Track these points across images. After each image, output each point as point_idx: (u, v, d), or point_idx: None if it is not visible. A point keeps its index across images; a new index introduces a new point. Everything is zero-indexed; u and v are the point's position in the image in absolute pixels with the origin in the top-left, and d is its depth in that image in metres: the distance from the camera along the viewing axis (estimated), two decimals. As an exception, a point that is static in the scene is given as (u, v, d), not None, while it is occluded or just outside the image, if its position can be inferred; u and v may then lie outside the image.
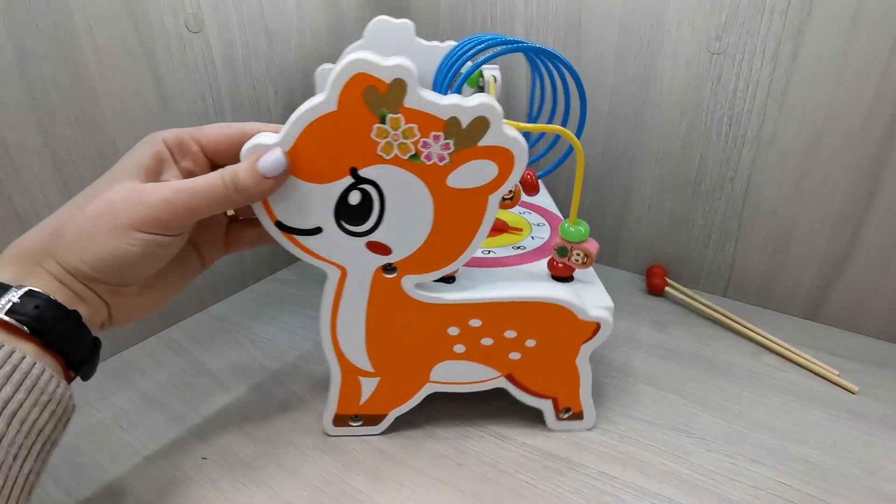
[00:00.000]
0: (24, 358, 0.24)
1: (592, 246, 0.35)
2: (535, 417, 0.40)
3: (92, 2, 0.39)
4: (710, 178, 0.53)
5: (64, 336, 0.26)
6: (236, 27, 0.49)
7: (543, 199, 0.53)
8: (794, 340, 0.48)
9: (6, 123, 0.36)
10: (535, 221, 0.47)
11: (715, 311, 0.52)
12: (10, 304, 0.24)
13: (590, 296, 0.36)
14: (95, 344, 0.28)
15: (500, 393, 0.42)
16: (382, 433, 0.38)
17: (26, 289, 0.25)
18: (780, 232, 0.51)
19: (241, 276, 0.57)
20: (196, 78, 0.47)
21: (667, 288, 0.56)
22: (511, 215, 0.48)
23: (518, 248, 0.42)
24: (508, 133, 0.28)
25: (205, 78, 0.48)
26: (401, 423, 0.39)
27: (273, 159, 0.27)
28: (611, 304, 0.35)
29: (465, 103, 0.27)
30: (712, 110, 0.51)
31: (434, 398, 0.42)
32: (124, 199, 0.27)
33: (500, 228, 0.45)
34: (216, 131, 0.31)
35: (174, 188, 0.27)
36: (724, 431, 0.39)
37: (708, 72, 0.50)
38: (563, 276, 0.37)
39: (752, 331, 0.49)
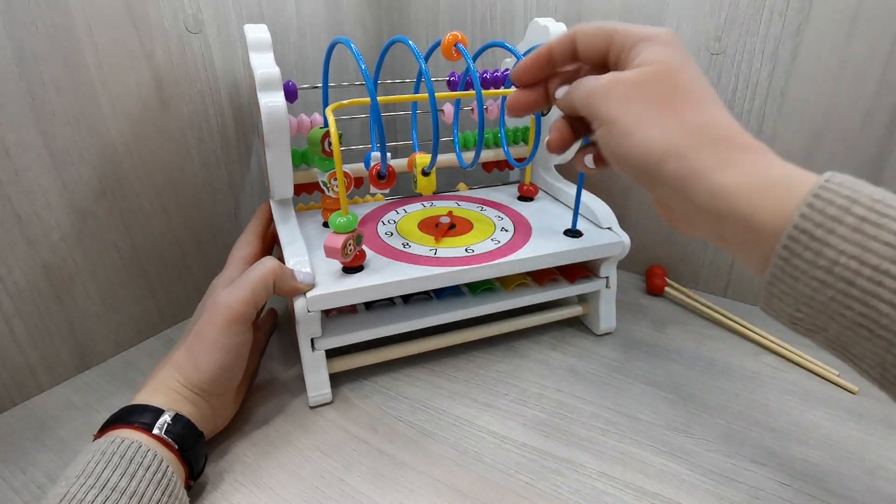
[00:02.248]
0: (168, 467, 0.30)
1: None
2: (534, 418, 0.40)
3: (92, 2, 0.39)
4: (710, 179, 0.53)
5: (195, 451, 0.33)
6: (236, 27, 0.49)
7: (542, 202, 0.54)
8: (793, 340, 0.48)
9: (6, 124, 0.36)
10: (495, 215, 0.50)
11: (715, 311, 0.52)
12: (166, 424, 0.32)
13: None
14: (206, 457, 0.35)
15: (500, 394, 0.42)
16: (382, 433, 0.38)
17: (174, 413, 0.32)
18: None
19: (241, 277, 0.57)
20: (196, 78, 0.47)
21: (666, 288, 0.56)
22: (472, 213, 0.50)
23: (494, 240, 0.45)
24: None
25: (204, 78, 0.48)
26: (401, 424, 0.39)
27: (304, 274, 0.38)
28: None
29: None
30: (712, 110, 0.51)
31: (434, 398, 0.42)
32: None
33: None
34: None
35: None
36: (724, 431, 0.39)
37: (707, 72, 0.50)
38: (355, 266, 0.40)
39: (752, 331, 0.49)
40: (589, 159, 0.31)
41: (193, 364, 0.35)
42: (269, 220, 0.47)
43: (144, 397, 0.33)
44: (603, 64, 0.29)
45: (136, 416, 0.31)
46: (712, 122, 0.24)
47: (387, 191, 0.42)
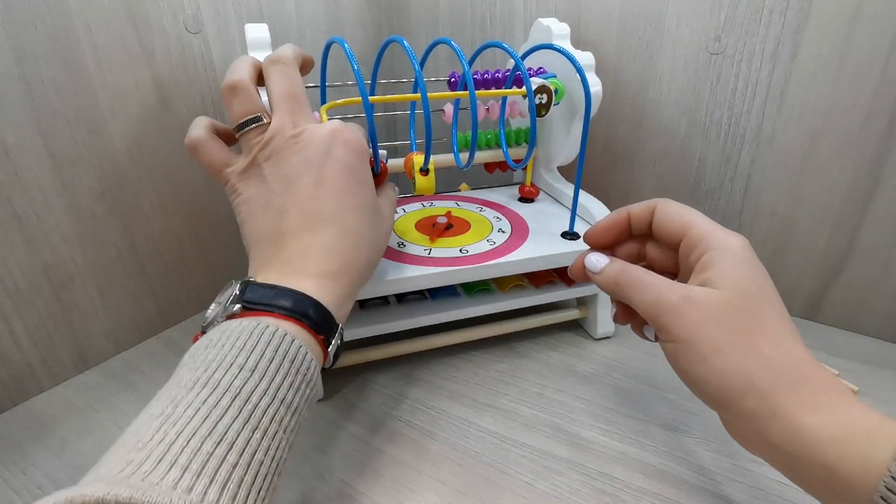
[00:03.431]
0: (318, 377, 0.28)
1: None
2: (534, 418, 0.40)
3: (91, 3, 0.39)
4: (710, 179, 0.53)
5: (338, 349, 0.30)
6: (235, 28, 0.49)
7: (542, 203, 0.54)
8: (793, 340, 0.48)
9: (5, 124, 0.36)
10: (493, 216, 0.50)
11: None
12: (338, 335, 0.30)
13: None
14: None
15: (500, 394, 0.42)
16: (382, 433, 0.38)
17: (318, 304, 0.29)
18: (780, 232, 0.51)
19: (242, 276, 0.57)
20: (195, 79, 0.47)
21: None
22: (471, 213, 0.50)
23: (490, 241, 0.45)
24: None
25: (204, 79, 0.48)
26: (401, 424, 0.39)
27: None
28: None
29: None
30: (711, 111, 0.51)
31: (434, 398, 0.42)
32: None
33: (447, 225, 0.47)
34: None
35: None
36: (724, 431, 0.39)
37: (707, 72, 0.50)
38: None
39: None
40: (651, 331, 0.31)
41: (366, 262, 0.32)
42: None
43: (279, 277, 0.29)
44: (673, 247, 0.30)
45: (305, 309, 0.28)
46: (792, 359, 0.25)
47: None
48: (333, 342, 0.29)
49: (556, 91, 0.46)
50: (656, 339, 0.30)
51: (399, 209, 0.51)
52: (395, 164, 0.48)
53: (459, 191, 0.57)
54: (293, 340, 0.26)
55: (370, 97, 0.38)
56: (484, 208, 0.52)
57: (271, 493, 0.23)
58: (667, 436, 0.38)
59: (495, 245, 0.44)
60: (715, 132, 0.51)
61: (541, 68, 0.49)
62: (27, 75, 0.37)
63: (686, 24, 0.49)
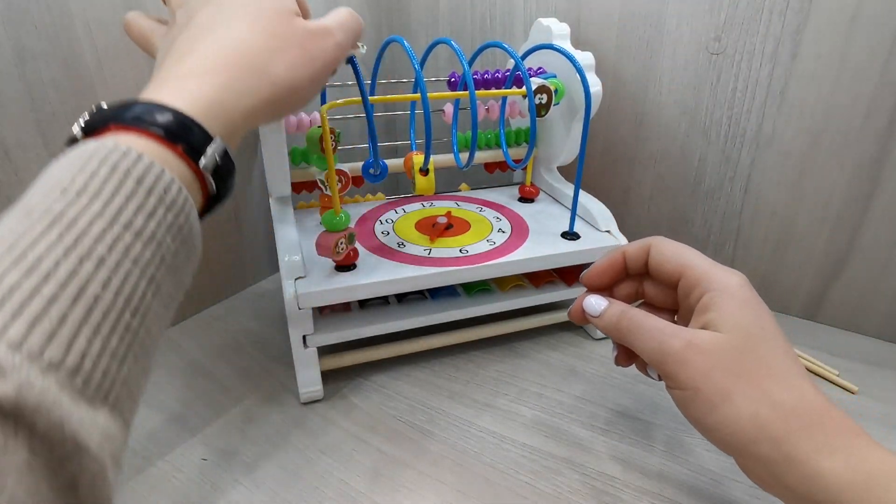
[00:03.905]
0: (192, 212, 0.23)
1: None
2: (534, 418, 0.40)
3: (92, 2, 0.39)
4: (710, 179, 0.53)
5: (227, 183, 0.25)
6: (236, 28, 0.49)
7: (542, 203, 0.54)
8: (793, 340, 0.47)
9: (5, 124, 0.36)
10: (493, 216, 0.50)
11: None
12: (215, 156, 0.23)
13: None
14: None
15: (500, 394, 0.42)
16: (382, 433, 0.38)
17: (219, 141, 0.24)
18: (780, 232, 0.51)
19: (241, 276, 0.57)
20: (195, 78, 0.47)
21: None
22: (471, 213, 0.50)
23: (490, 241, 0.45)
24: None
25: (204, 78, 0.48)
26: (400, 423, 0.39)
27: None
28: None
29: None
30: (711, 110, 0.51)
31: (434, 398, 0.42)
32: None
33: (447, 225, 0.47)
34: None
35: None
36: (723, 431, 0.39)
37: (707, 72, 0.50)
38: (347, 264, 0.40)
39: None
40: (655, 372, 0.30)
41: (279, 95, 0.26)
42: None
43: (160, 91, 0.23)
44: (671, 286, 0.30)
45: (153, 117, 0.22)
46: (804, 401, 0.24)
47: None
48: (208, 156, 0.23)
49: (556, 91, 0.46)
50: (659, 378, 0.30)
51: (400, 209, 0.51)
52: (395, 164, 0.48)
53: (459, 191, 0.57)
54: (139, 156, 0.20)
55: (370, 97, 0.38)
56: (484, 208, 0.52)
57: (133, 336, 0.19)
58: (667, 436, 0.38)
59: (495, 245, 0.44)
60: (715, 132, 0.51)
61: (541, 68, 0.49)
62: (27, 75, 0.37)
63: (686, 24, 0.49)
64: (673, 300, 0.31)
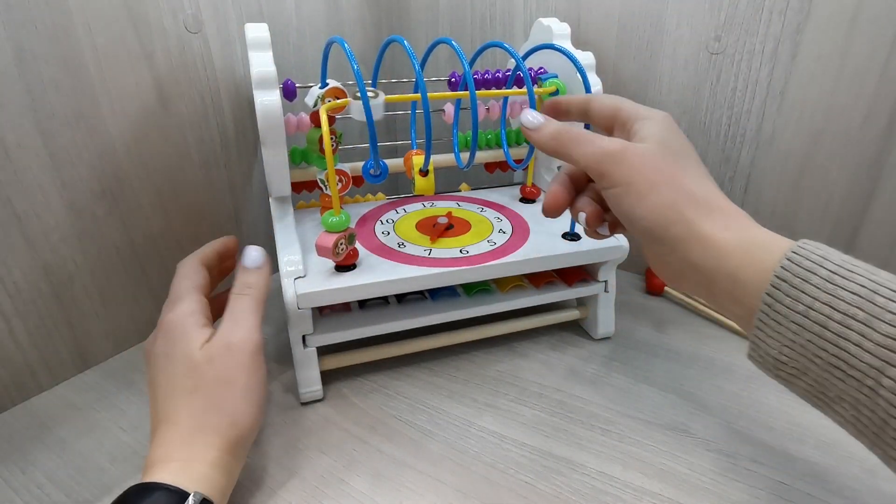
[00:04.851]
0: None
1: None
2: (534, 418, 0.40)
3: (91, 3, 0.39)
4: (710, 178, 0.53)
5: None
6: (235, 27, 0.49)
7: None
8: (793, 340, 0.48)
9: (5, 124, 0.36)
10: (494, 216, 0.50)
11: (714, 310, 0.52)
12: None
13: None
14: None
15: (500, 394, 0.42)
16: (382, 433, 0.38)
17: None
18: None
19: (241, 277, 0.57)
20: (195, 78, 0.47)
21: (666, 288, 0.56)
22: (472, 214, 0.50)
23: (490, 242, 0.45)
24: None
25: (204, 78, 0.48)
26: (400, 423, 0.39)
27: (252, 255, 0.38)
28: None
29: None
30: (711, 110, 0.51)
31: (434, 398, 0.42)
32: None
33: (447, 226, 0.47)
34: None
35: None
36: (724, 431, 0.39)
37: (707, 72, 0.50)
38: (347, 265, 0.40)
39: (752, 331, 0.49)
40: (605, 228, 0.34)
41: (228, 420, 0.31)
42: (226, 255, 0.42)
43: (173, 477, 0.28)
44: (608, 128, 0.34)
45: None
46: (711, 195, 0.29)
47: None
48: None
49: (556, 91, 0.46)
50: (610, 230, 0.34)
51: (400, 209, 0.51)
52: (395, 164, 0.48)
53: (460, 191, 0.57)
54: None
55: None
56: (485, 208, 0.52)
57: None
58: (667, 436, 0.38)
59: (496, 245, 0.44)
60: (715, 132, 0.51)
61: (541, 68, 0.49)
62: (27, 75, 0.37)
63: (686, 24, 0.49)
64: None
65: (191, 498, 0.27)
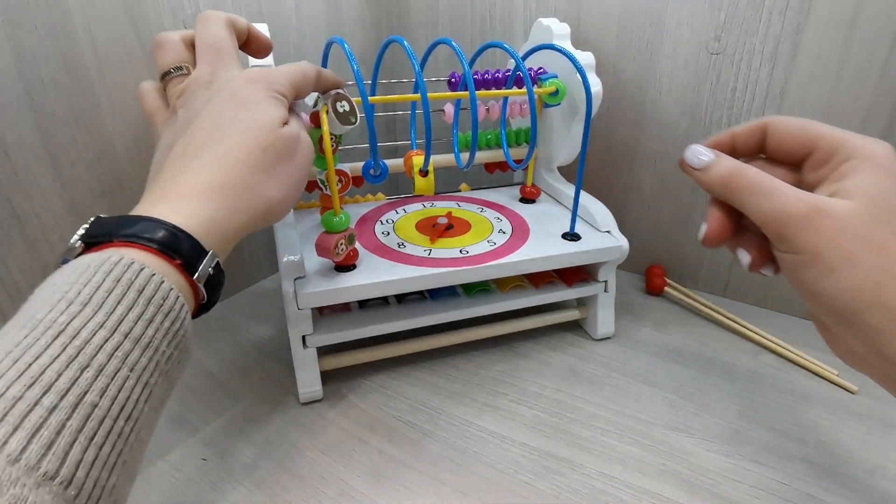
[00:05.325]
0: (187, 319, 0.24)
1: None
2: (534, 418, 0.40)
3: (91, 2, 0.39)
4: (710, 178, 0.53)
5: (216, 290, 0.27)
6: (235, 28, 0.49)
7: (543, 204, 0.54)
8: (793, 340, 0.48)
9: (5, 124, 0.36)
10: (494, 217, 0.50)
11: (714, 311, 0.52)
12: (208, 271, 0.25)
13: None
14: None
15: (500, 394, 0.42)
16: (382, 433, 0.38)
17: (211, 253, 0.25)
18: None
19: (242, 276, 0.57)
20: (195, 78, 0.47)
21: (666, 288, 0.56)
22: (471, 214, 0.50)
23: (490, 242, 0.45)
24: None
25: (204, 78, 0.48)
26: (400, 423, 0.39)
27: None
28: None
29: None
30: (711, 110, 0.51)
31: (433, 398, 0.42)
32: None
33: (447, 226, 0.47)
34: None
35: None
36: (724, 431, 0.39)
37: (707, 72, 0.50)
38: (347, 265, 0.40)
39: (752, 331, 0.49)
40: (770, 270, 0.28)
41: (268, 195, 0.28)
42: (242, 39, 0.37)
43: (156, 206, 0.25)
44: (795, 164, 0.27)
45: (154, 233, 0.23)
46: None
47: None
48: (202, 268, 0.25)
49: (556, 91, 0.46)
50: (776, 272, 0.27)
51: (400, 209, 0.51)
52: (395, 164, 0.48)
53: (460, 191, 0.57)
54: (141, 268, 0.22)
55: (370, 97, 0.38)
56: (485, 209, 0.52)
57: (124, 443, 0.20)
58: (667, 436, 0.38)
59: (495, 246, 0.44)
60: (715, 132, 0.51)
61: (541, 68, 0.49)
62: (27, 75, 0.37)
63: (686, 24, 0.49)
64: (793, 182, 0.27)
65: (207, 257, 0.25)
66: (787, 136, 0.27)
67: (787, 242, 0.25)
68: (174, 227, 0.24)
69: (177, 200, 0.25)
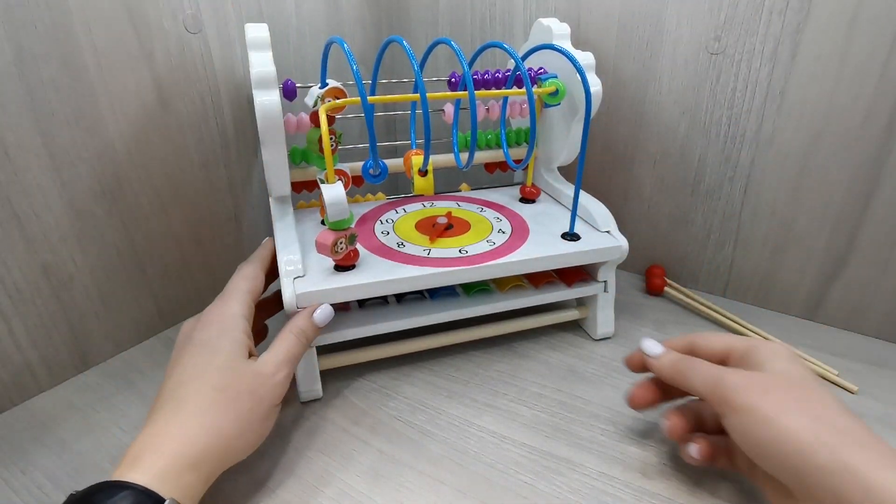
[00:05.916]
0: None
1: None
2: (534, 418, 0.40)
3: (91, 3, 0.39)
4: (709, 179, 0.53)
5: None
6: (235, 28, 0.49)
7: (543, 204, 0.54)
8: (793, 340, 0.48)
9: (5, 124, 0.36)
10: (494, 216, 0.50)
11: (714, 311, 0.52)
12: None
13: None
14: None
15: (500, 394, 0.42)
16: (382, 433, 0.38)
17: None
18: (779, 232, 0.51)
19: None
20: (195, 79, 0.47)
21: (666, 288, 0.56)
22: (471, 214, 0.50)
23: (490, 242, 0.45)
24: None
25: (203, 79, 0.48)
26: (400, 423, 0.39)
27: (326, 312, 0.38)
28: None
29: None
30: (711, 110, 0.51)
31: (433, 398, 0.42)
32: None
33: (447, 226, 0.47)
34: None
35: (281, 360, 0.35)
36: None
37: (707, 72, 0.50)
38: (346, 265, 0.40)
39: (752, 331, 0.49)
40: (694, 449, 0.32)
41: (237, 432, 0.31)
42: (274, 255, 0.43)
43: (148, 478, 0.27)
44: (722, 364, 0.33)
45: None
46: (856, 425, 0.26)
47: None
48: None
49: (556, 91, 0.46)
50: (700, 456, 0.32)
51: (400, 209, 0.51)
52: (395, 164, 0.48)
53: (460, 191, 0.57)
54: None
55: (370, 97, 0.38)
56: (484, 209, 0.52)
57: None
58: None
59: (495, 245, 0.44)
60: (715, 132, 0.51)
61: (541, 68, 0.49)
62: (27, 75, 0.37)
63: (686, 24, 0.49)
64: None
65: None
66: (706, 348, 0.34)
67: (726, 404, 0.29)
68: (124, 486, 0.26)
69: (159, 473, 0.27)
